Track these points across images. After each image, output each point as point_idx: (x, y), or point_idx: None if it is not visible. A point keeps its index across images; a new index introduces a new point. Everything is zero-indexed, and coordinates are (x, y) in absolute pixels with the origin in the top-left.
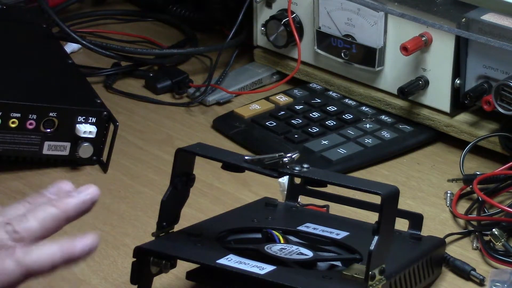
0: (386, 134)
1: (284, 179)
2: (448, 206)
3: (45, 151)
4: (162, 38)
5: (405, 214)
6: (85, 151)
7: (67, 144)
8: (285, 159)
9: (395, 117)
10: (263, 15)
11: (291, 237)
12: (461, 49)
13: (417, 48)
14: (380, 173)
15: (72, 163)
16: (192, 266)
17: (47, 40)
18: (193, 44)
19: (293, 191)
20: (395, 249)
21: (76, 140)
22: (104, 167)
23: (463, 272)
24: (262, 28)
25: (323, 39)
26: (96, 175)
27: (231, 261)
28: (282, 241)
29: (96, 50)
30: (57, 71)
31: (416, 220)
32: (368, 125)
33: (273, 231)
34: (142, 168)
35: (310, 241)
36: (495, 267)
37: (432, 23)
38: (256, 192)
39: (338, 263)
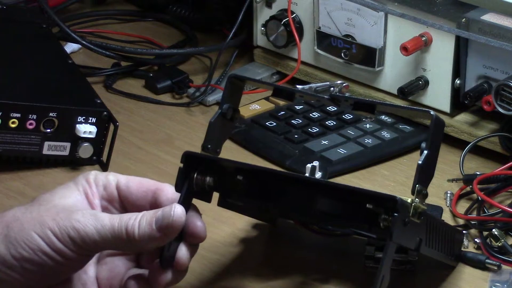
0: (386, 134)
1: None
2: (448, 206)
3: (45, 151)
4: (162, 38)
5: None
6: (85, 151)
7: (67, 144)
8: (332, 88)
9: (395, 117)
10: (263, 15)
11: None
12: (461, 49)
13: (417, 48)
14: (380, 173)
15: (72, 163)
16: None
17: (47, 40)
18: (193, 44)
19: None
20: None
21: (76, 140)
22: (104, 167)
23: (479, 262)
24: (262, 28)
25: (323, 39)
26: None
27: None
28: None
29: (96, 50)
30: (57, 71)
31: (436, 212)
32: (368, 125)
33: None
34: (142, 168)
35: None
36: None
37: (432, 23)
38: None
39: None
